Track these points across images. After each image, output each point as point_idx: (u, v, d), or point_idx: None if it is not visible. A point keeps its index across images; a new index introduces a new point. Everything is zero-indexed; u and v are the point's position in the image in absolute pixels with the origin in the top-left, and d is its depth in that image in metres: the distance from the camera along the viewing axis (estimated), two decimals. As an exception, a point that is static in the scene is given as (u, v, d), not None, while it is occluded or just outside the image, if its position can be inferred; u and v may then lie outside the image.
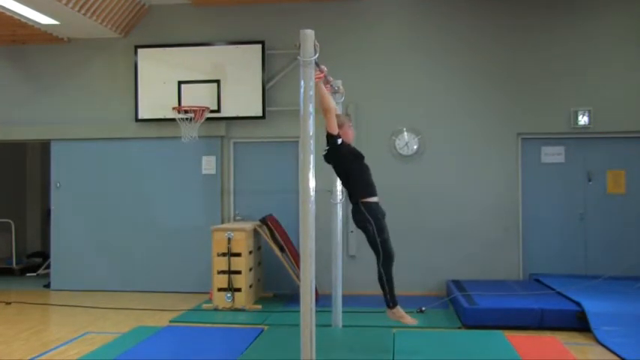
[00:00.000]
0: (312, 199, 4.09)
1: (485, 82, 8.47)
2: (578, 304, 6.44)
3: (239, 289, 7.48)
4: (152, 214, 8.88)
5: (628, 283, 7.51)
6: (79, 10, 7.68)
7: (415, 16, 8.66)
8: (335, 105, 5.65)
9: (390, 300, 5.34)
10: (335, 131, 5.20)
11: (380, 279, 5.30)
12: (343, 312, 6.33)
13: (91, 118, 9.06)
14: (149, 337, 5.92)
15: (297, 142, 4.40)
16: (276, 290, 8.44)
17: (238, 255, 7.51)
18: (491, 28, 8.48)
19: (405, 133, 8.53)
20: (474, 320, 6.47)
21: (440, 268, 8.32)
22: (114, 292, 8.69)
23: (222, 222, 8.70)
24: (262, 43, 8.56)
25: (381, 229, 5.26)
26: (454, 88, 8.50)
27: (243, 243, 7.51)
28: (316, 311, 4.11)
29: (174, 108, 8.25)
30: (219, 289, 7.51)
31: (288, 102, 8.46)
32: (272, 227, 7.90)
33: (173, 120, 8.30)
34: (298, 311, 4.06)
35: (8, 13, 7.75)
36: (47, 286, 9.25)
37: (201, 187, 8.83)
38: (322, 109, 5.09)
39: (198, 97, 8.47)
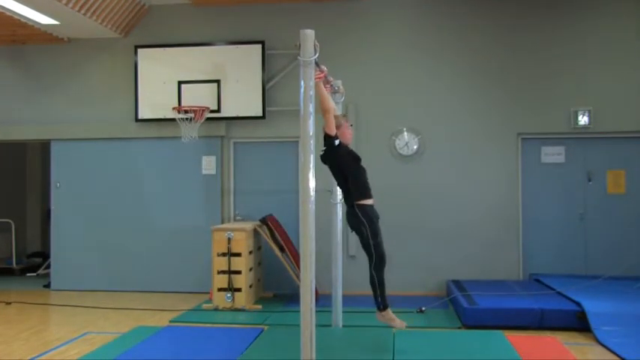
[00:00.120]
0: (312, 199, 4.09)
1: (485, 82, 8.47)
2: (578, 304, 6.44)
3: (239, 289, 7.48)
4: (152, 214, 8.88)
5: (628, 283, 7.52)
6: (79, 10, 7.68)
7: (415, 16, 8.66)
8: (334, 105, 5.65)
9: (381, 302, 5.35)
10: (333, 132, 5.19)
11: (372, 281, 5.31)
12: (343, 312, 6.34)
13: (91, 118, 9.06)
14: (149, 337, 5.93)
15: (297, 142, 4.42)
16: (276, 290, 8.44)
17: (238, 255, 7.51)
18: (491, 28, 8.48)
19: (405, 133, 8.53)
20: (474, 320, 6.48)
21: (440, 268, 8.32)
22: (114, 292, 8.69)
23: (222, 222, 8.70)
24: (262, 43, 8.56)
25: (375, 233, 5.27)
26: (454, 88, 8.50)
27: (243, 243, 7.51)
28: (316, 311, 4.11)
29: (174, 108, 8.25)
30: (219, 289, 7.51)
31: (288, 102, 8.46)
32: (272, 227, 7.90)
33: (173, 120, 8.30)
34: (298, 311, 4.06)
35: (8, 13, 7.75)
36: (47, 286, 9.25)
37: (201, 187, 8.83)
38: (321, 110, 5.09)
39: (198, 97, 8.47)
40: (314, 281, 4.09)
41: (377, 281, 5.29)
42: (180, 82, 8.61)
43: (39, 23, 8.28)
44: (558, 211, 8.40)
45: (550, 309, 6.46)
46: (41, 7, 7.57)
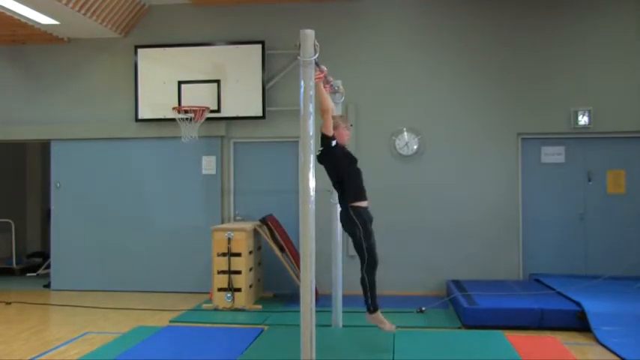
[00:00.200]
0: (312, 199, 4.09)
1: (486, 81, 8.47)
2: (578, 304, 6.44)
3: (239, 289, 7.48)
4: (152, 214, 8.88)
5: (628, 283, 7.52)
6: (79, 10, 7.68)
7: (415, 16, 8.66)
8: (333, 106, 5.65)
9: (372, 304, 5.35)
10: (330, 132, 5.19)
11: (362, 283, 5.31)
12: (343, 312, 6.33)
13: (91, 118, 9.06)
14: (149, 337, 5.93)
15: (297, 142, 4.42)
16: (276, 290, 8.44)
17: (238, 255, 7.51)
18: (491, 28, 8.48)
19: (405, 133, 8.53)
20: (474, 320, 6.48)
21: (440, 268, 8.32)
22: (114, 292, 8.69)
23: (222, 222, 8.70)
24: (262, 43, 8.56)
25: (368, 235, 5.28)
26: (454, 88, 8.50)
27: (243, 243, 7.51)
28: (316, 311, 4.12)
29: (174, 108, 8.25)
30: (219, 289, 7.51)
31: (288, 102, 8.46)
32: (272, 227, 7.90)
33: (173, 120, 8.30)
34: (298, 311, 4.06)
35: (8, 13, 7.75)
36: (47, 286, 9.25)
37: (201, 187, 8.83)
38: (320, 110, 5.09)
39: (198, 97, 8.47)
40: (314, 281, 4.09)
41: (368, 283, 5.30)
42: (180, 82, 8.61)
43: (39, 23, 8.28)
44: (558, 211, 8.40)
45: (550, 309, 6.45)
46: (41, 7, 7.57)
